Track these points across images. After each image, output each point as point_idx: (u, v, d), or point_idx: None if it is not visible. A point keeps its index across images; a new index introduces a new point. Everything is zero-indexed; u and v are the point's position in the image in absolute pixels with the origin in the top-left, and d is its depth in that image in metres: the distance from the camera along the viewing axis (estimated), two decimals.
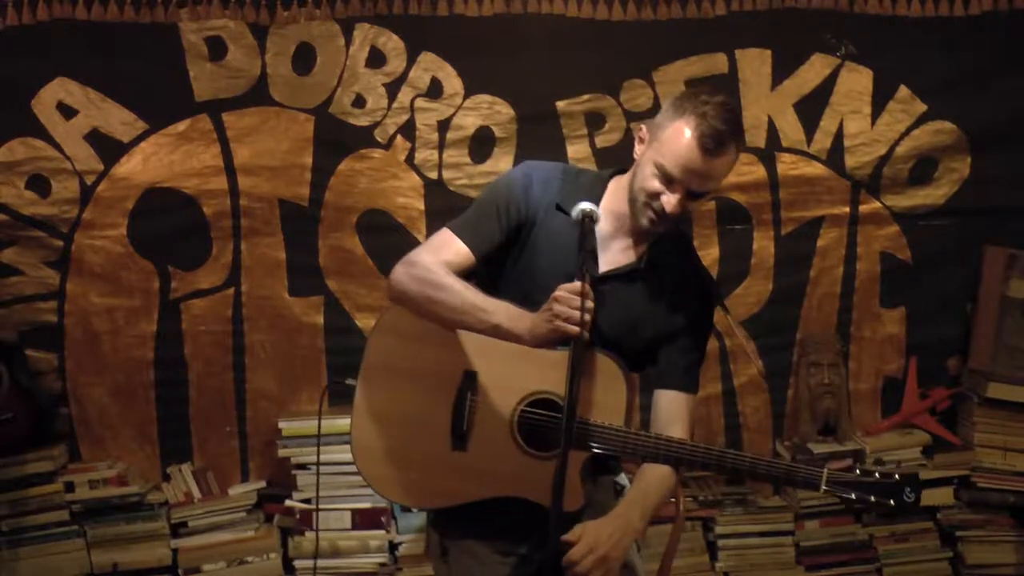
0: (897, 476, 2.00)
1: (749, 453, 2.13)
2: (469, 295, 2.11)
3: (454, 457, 2.14)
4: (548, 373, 2.10)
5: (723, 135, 2.03)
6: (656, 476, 2.15)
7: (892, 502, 1.99)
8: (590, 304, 1.97)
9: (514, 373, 2.13)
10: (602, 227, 2.16)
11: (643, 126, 2.16)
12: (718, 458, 2.06)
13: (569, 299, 1.97)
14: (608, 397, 2.10)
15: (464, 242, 2.17)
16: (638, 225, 2.14)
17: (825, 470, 2.00)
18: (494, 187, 2.25)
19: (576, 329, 1.95)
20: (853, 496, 1.99)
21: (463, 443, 2.14)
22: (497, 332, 2.09)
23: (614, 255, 2.18)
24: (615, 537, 2.02)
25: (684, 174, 2.04)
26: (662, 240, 2.20)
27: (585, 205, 2.02)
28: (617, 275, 2.18)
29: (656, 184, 2.07)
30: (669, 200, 2.06)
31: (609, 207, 2.18)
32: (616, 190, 2.18)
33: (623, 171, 2.23)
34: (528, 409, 2.12)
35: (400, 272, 2.16)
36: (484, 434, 2.13)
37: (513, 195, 2.18)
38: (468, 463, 2.14)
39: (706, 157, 2.03)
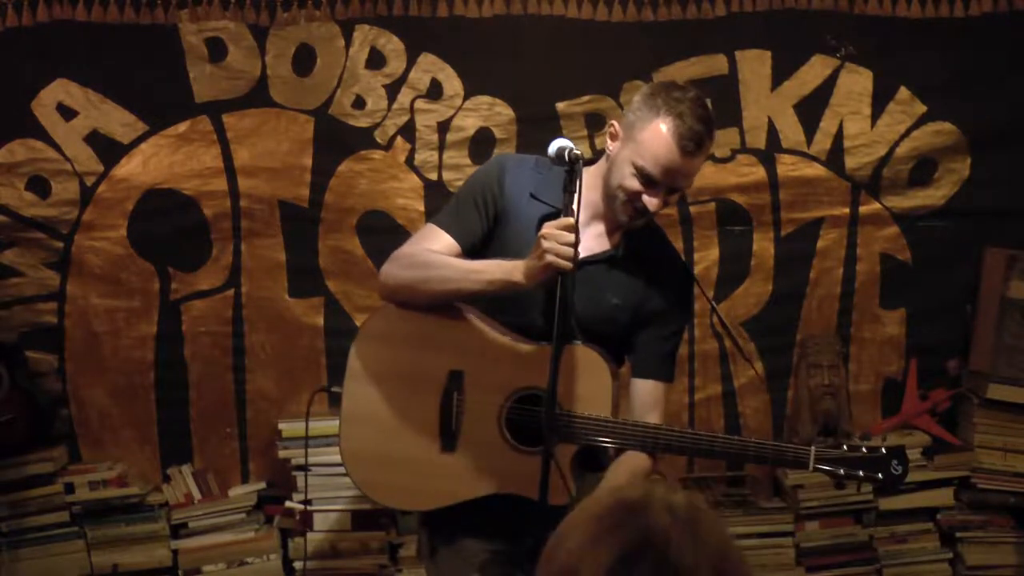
0: (884, 449, 2.06)
1: (737, 437, 2.18)
2: (458, 263, 2.14)
3: (444, 458, 2.16)
4: (534, 368, 2.11)
5: (701, 135, 2.07)
6: (630, 469, 2.17)
7: (880, 475, 2.05)
8: (571, 238, 1.97)
9: (499, 370, 2.15)
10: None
11: (615, 122, 2.19)
12: (708, 443, 2.13)
13: (556, 235, 1.97)
14: (593, 388, 2.13)
15: (450, 234, 2.19)
16: (615, 219, 2.18)
17: (813, 448, 2.07)
18: (471, 180, 2.28)
19: (568, 264, 1.95)
20: (842, 472, 2.04)
21: (452, 443, 2.16)
22: (493, 286, 2.09)
23: (589, 242, 2.19)
24: None
25: (664, 175, 2.08)
26: (635, 228, 2.23)
27: (562, 142, 2.04)
28: (594, 261, 2.20)
29: (636, 184, 2.10)
30: (651, 200, 2.10)
31: (582, 196, 2.19)
32: (587, 180, 2.16)
33: (591, 161, 2.24)
34: (515, 405, 2.13)
35: (388, 267, 2.20)
36: (473, 433, 2.15)
37: (490, 186, 2.21)
38: (458, 463, 2.16)
39: (685, 158, 2.07)
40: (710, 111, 2.12)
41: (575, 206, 2.01)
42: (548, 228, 1.99)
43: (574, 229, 1.96)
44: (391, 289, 2.19)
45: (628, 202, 2.12)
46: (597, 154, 3.36)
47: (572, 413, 2.11)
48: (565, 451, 2.13)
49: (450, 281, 2.12)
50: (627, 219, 2.16)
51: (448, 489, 2.16)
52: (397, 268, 2.18)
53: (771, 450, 2.12)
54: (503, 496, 2.13)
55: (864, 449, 2.07)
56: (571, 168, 2.02)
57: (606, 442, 2.15)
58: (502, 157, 2.30)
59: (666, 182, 2.09)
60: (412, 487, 2.18)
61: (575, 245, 1.95)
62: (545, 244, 1.97)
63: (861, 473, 2.05)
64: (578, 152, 2.03)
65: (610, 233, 2.23)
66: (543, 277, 2.01)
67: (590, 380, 2.13)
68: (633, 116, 2.12)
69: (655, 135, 2.06)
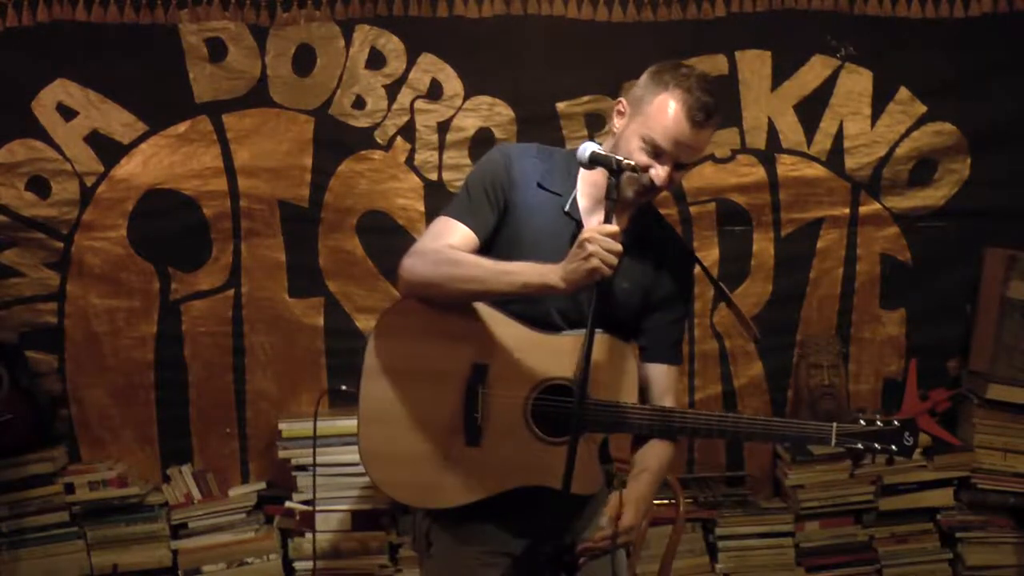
0: (896, 422, 2.15)
1: (762, 416, 2.21)
2: (488, 263, 2.10)
3: (468, 453, 2.13)
4: (557, 359, 2.10)
5: (709, 107, 2.07)
6: (659, 459, 2.19)
7: (894, 447, 2.14)
8: (619, 247, 1.95)
9: (523, 362, 2.13)
10: (581, 203, 2.19)
11: (623, 99, 2.18)
12: (733, 424, 2.16)
13: (602, 240, 1.94)
14: (619, 375, 2.13)
15: (468, 226, 2.16)
16: (623, 197, 2.12)
17: (835, 425, 2.14)
18: (479, 171, 2.25)
19: (610, 271, 1.94)
20: (861, 446, 2.14)
21: (477, 437, 2.13)
22: (528, 290, 2.05)
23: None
24: (639, 519, 2.10)
25: (673, 146, 2.08)
26: (640, 213, 2.22)
27: (593, 146, 2.02)
28: None
29: (644, 158, 2.09)
30: (659, 173, 2.09)
31: (587, 182, 2.18)
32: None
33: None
34: (541, 396, 2.12)
35: (411, 262, 2.14)
36: (498, 426, 2.13)
37: (497, 175, 2.19)
38: (483, 457, 2.13)
39: (695, 129, 2.07)
40: (716, 88, 2.12)
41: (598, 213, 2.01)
42: (591, 232, 1.95)
43: (618, 235, 1.94)
44: (412, 285, 2.13)
45: (635, 178, 2.11)
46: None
47: (603, 401, 2.10)
48: (594, 440, 2.13)
49: (479, 281, 2.07)
50: (633, 195, 2.13)
51: (472, 484, 2.13)
52: (421, 264, 2.12)
53: (794, 428, 2.16)
54: (516, 498, 2.11)
55: (879, 423, 2.15)
56: (616, 176, 2.00)
57: (634, 429, 2.15)
58: (505, 147, 2.27)
59: (674, 154, 2.08)
60: (436, 483, 2.14)
61: (620, 252, 1.94)
62: (590, 248, 1.93)
63: (878, 445, 2.14)
64: (631, 161, 2.02)
65: (616, 219, 2.22)
66: (586, 282, 1.97)
67: (616, 367, 2.12)
68: (641, 91, 2.13)
69: (664, 107, 2.08)
